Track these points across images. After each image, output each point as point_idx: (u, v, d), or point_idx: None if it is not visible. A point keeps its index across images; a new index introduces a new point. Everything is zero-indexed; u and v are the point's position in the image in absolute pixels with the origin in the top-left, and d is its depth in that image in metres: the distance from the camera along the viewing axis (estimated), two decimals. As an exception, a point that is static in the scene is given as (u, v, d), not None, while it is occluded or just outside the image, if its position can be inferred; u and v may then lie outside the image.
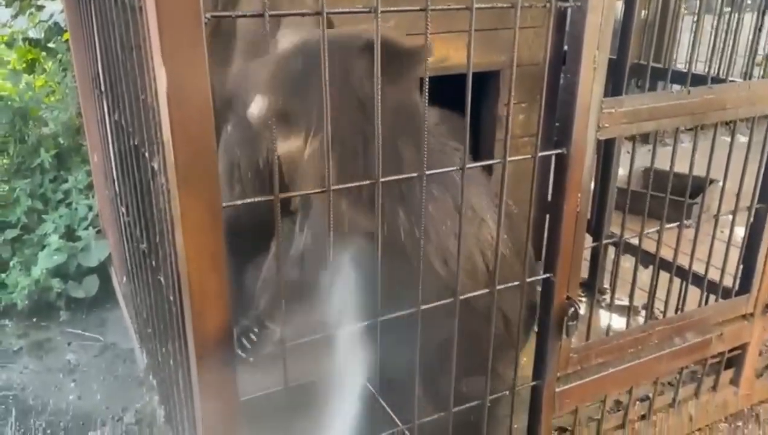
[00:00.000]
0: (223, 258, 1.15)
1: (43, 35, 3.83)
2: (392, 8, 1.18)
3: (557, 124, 1.48)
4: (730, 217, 1.95)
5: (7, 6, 3.76)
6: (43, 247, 2.98)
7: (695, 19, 1.76)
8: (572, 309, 1.59)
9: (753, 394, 2.19)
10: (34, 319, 2.84)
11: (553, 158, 1.47)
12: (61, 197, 3.28)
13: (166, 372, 1.72)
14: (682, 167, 1.81)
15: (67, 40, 3.74)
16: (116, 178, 1.94)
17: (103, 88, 1.87)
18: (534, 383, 1.68)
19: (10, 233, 3.07)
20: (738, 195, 1.91)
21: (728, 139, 1.82)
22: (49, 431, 2.18)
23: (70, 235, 3.08)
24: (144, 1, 1.02)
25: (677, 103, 1.57)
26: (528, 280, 1.54)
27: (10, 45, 3.87)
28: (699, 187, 2.32)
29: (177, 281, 1.25)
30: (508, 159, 1.39)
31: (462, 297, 1.43)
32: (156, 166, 1.28)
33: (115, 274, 2.84)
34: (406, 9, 1.21)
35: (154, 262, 1.59)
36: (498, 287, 1.48)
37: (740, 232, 2.00)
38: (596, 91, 1.42)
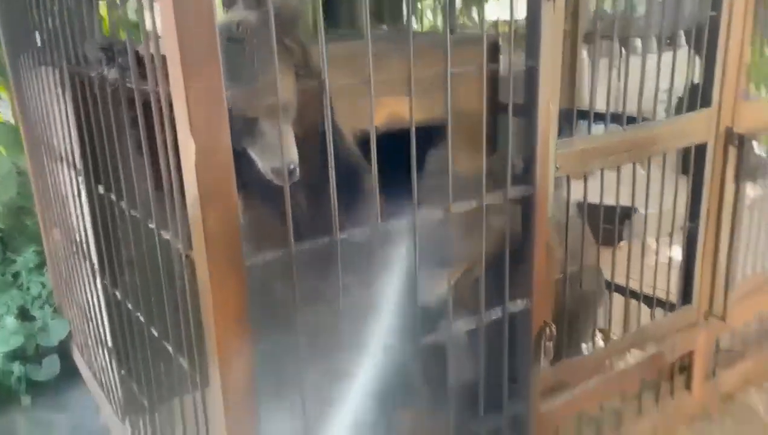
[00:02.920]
0: (247, 317, 1.24)
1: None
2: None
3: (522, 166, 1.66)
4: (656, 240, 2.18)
5: None
6: (-4, 331, 2.90)
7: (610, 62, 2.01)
8: (548, 331, 1.76)
9: (705, 396, 2.40)
10: (-6, 407, 2.73)
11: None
12: (10, 280, 3.20)
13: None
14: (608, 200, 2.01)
15: None
16: (97, 255, 1.97)
17: (79, 166, 1.92)
18: (519, 407, 1.81)
19: (-41, 320, 2.96)
20: (672, 216, 2.15)
21: (644, 172, 2.03)
22: None
23: (24, 315, 3.01)
24: (172, 90, 1.13)
25: (616, 141, 1.80)
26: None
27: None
28: (626, 215, 2.57)
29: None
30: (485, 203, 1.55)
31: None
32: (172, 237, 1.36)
33: (79, 352, 2.79)
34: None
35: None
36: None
37: (665, 251, 2.24)
38: (552, 136, 1.62)
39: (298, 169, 1.42)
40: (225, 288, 1.20)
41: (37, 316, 2.97)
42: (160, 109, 1.24)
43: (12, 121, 3.74)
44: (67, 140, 1.98)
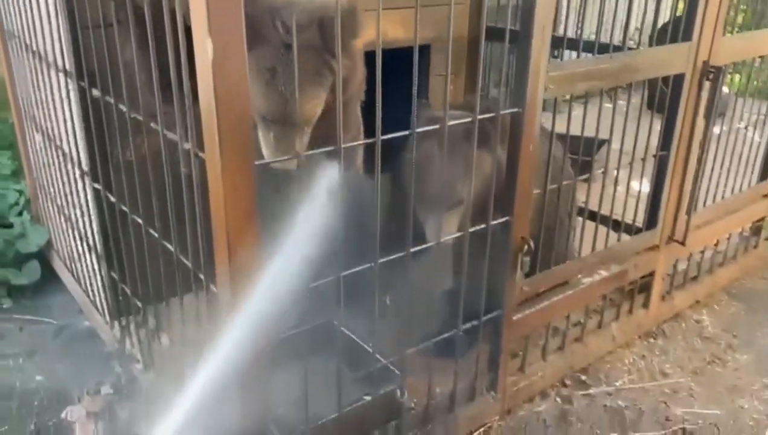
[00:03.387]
0: (256, 214, 1.30)
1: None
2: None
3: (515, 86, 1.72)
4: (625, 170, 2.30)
5: None
6: (-28, 236, 2.90)
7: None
8: (526, 246, 1.87)
9: (659, 314, 2.60)
10: (-26, 310, 2.77)
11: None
12: (-16, 186, 3.17)
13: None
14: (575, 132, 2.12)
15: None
16: (89, 159, 1.98)
17: (70, 68, 1.91)
18: (495, 313, 1.94)
19: (-66, 225, 2.95)
20: (645, 148, 2.26)
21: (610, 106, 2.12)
22: (23, 411, 2.19)
23: (1, 222, 3.00)
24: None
25: (604, 67, 1.88)
26: (492, 222, 1.80)
27: None
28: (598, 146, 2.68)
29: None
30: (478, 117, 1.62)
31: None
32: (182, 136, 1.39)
33: (59, 258, 2.83)
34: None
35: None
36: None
37: (635, 185, 2.36)
38: (544, 59, 1.68)
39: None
40: (237, 187, 1.25)
41: (15, 223, 2.97)
42: (173, 10, 1.26)
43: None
44: (56, 41, 1.95)
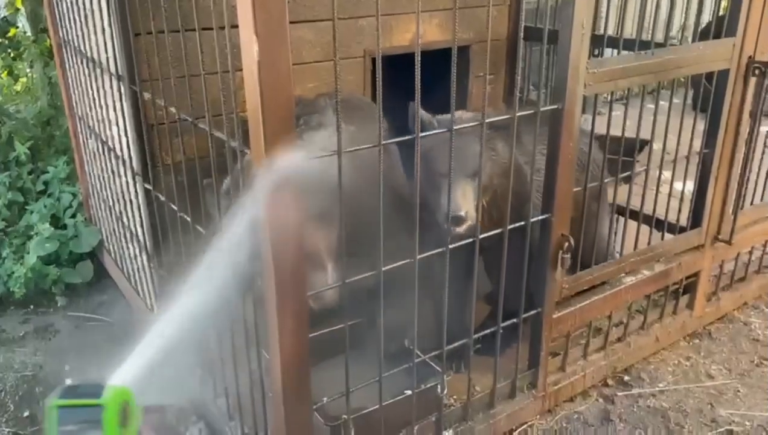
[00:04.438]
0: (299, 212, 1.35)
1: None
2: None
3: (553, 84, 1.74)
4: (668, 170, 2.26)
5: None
6: (29, 237, 3.03)
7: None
8: (566, 244, 1.87)
9: (705, 315, 2.55)
10: (32, 307, 2.90)
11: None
12: (41, 188, 3.31)
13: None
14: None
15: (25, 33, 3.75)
16: (139, 160, 2.06)
17: (121, 72, 1.99)
18: (536, 311, 1.95)
19: (-6, 226, 3.09)
20: (690, 147, 2.23)
21: (652, 106, 2.08)
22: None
23: (56, 224, 3.13)
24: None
25: (644, 63, 1.86)
26: (532, 219, 1.81)
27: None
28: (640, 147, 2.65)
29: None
30: (517, 114, 1.64)
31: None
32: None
33: (111, 258, 2.93)
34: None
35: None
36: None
37: (678, 185, 2.33)
38: (583, 55, 1.69)
39: None
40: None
41: (69, 224, 3.09)
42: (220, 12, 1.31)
43: (29, 32, 3.76)
44: (110, 47, 2.04)
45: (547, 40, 1.68)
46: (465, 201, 1.76)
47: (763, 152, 2.54)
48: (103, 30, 2.05)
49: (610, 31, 2.65)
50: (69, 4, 2.42)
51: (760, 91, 2.20)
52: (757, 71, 2.15)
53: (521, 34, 1.59)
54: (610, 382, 2.28)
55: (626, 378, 2.30)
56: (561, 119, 1.70)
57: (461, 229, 1.73)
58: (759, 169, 2.53)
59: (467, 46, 2.78)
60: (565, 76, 1.67)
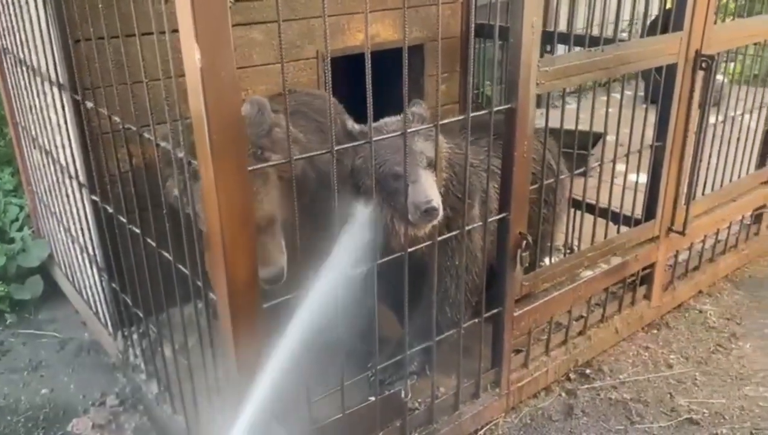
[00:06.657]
0: (251, 220, 1.31)
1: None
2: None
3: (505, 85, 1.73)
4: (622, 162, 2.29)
5: None
6: (-26, 252, 2.90)
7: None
8: (524, 242, 1.87)
9: (662, 305, 2.59)
10: (-22, 325, 2.78)
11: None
12: (-15, 201, 3.18)
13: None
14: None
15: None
16: (85, 172, 1.98)
17: (62, 81, 1.92)
18: (496, 310, 1.94)
19: (-64, 242, 2.95)
20: (640, 141, 2.26)
21: (605, 98, 2.10)
22: (30, 424, 2.20)
23: (2, 237, 3.01)
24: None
25: (595, 60, 1.87)
26: (489, 219, 1.80)
27: None
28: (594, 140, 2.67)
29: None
30: (471, 114, 1.63)
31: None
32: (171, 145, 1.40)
33: (62, 272, 2.83)
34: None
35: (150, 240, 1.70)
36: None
37: (632, 177, 2.36)
38: (534, 54, 1.68)
39: None
40: (231, 193, 1.26)
41: (16, 238, 2.97)
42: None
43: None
44: (50, 55, 1.96)
45: (499, 37, 1.67)
46: (432, 191, 1.72)
47: (713, 143, 2.59)
48: (42, 37, 1.97)
49: (562, 26, 2.67)
50: (8, 12, 2.32)
51: (708, 84, 2.24)
52: (704, 64, 2.19)
53: (472, 35, 1.58)
54: (572, 376, 2.30)
55: (588, 371, 2.32)
56: (515, 118, 1.70)
57: (435, 221, 1.69)
58: (709, 159, 2.59)
59: (421, 45, 2.76)
60: (517, 76, 1.66)
